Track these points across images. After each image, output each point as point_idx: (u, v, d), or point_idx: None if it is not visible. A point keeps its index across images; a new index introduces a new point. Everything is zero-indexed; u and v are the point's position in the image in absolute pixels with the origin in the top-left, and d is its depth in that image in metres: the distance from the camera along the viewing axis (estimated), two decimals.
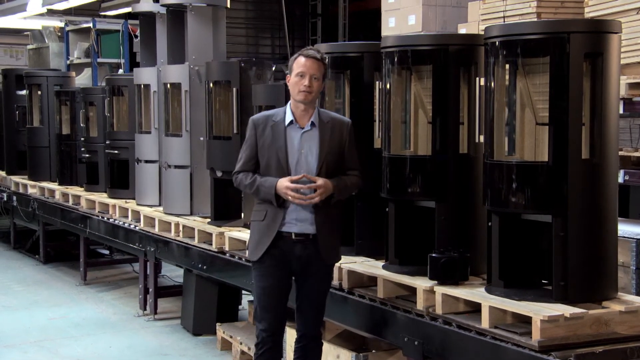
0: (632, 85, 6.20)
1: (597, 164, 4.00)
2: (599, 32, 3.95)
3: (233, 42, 17.39)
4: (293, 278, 4.40)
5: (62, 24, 12.52)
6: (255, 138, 4.32)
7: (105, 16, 12.95)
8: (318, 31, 17.40)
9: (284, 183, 4.18)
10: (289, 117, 4.28)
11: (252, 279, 4.41)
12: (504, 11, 7.40)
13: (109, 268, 9.50)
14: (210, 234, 6.27)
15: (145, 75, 7.61)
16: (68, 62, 12.52)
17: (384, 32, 8.98)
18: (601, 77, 3.95)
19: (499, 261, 4.24)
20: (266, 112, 4.49)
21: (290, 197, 4.18)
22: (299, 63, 4.23)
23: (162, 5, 7.14)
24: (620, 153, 6.18)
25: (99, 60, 11.97)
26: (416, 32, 8.44)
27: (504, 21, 7.11)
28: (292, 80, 4.25)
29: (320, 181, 4.20)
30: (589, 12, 6.80)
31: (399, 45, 4.66)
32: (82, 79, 11.67)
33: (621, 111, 6.80)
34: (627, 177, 6.48)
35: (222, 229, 6.26)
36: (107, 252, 10.12)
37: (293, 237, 4.27)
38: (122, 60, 11.56)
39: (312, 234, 4.27)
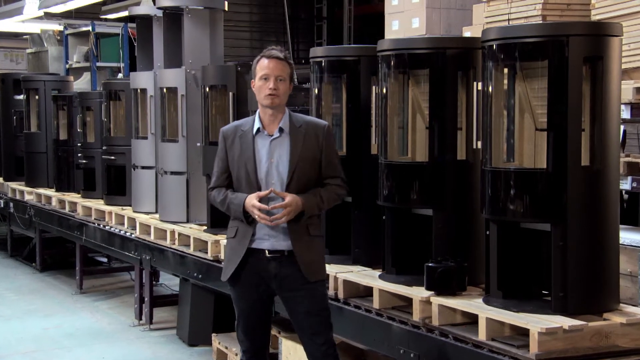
0: (639, 90, 6.14)
1: (597, 170, 3.95)
2: (599, 35, 3.91)
3: (237, 46, 17.40)
4: (278, 296, 4.18)
5: (61, 28, 12.54)
6: (225, 151, 4.14)
7: (105, 19, 12.96)
8: (323, 34, 17.38)
9: (250, 200, 3.97)
10: (256, 125, 4.07)
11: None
12: (508, 14, 7.34)
13: (106, 276, 9.48)
14: (206, 242, 6.24)
15: (142, 79, 7.59)
16: (67, 66, 12.54)
17: (388, 36, 8.93)
18: (601, 81, 3.90)
19: (497, 271, 4.19)
20: (236, 121, 4.32)
21: (256, 217, 3.97)
22: (262, 65, 4.04)
23: (159, 8, 7.13)
24: (628, 159, 6.12)
25: (98, 64, 11.98)
26: (420, 36, 8.40)
27: (509, 24, 7.06)
28: (256, 84, 4.05)
29: (288, 198, 3.95)
30: (596, 15, 6.74)
31: (395, 48, 4.63)
32: (81, 84, 11.68)
33: (628, 116, 6.76)
34: (634, 184, 6.42)
35: (217, 237, 6.22)
36: (105, 260, 10.11)
37: (266, 254, 4.05)
38: (122, 64, 11.56)
39: (287, 250, 4.04)
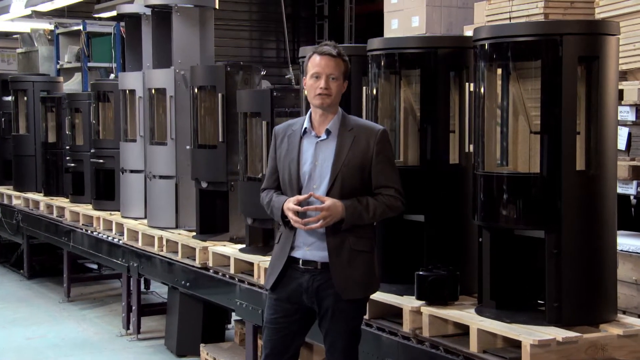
0: None
1: (593, 175, 3.90)
2: (594, 33, 3.86)
3: (236, 46, 17.39)
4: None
5: (52, 27, 12.52)
6: (275, 150, 3.99)
7: (99, 18, 12.93)
8: (325, 33, 17.36)
9: (288, 204, 3.81)
10: (305, 125, 3.90)
11: None
12: (510, 12, 7.29)
13: (96, 284, 9.44)
14: (194, 249, 6.20)
15: (130, 80, 7.56)
16: (58, 66, 12.51)
17: (387, 35, 8.89)
18: (597, 82, 3.86)
19: (490, 280, 4.15)
20: (291, 120, 4.15)
21: (292, 221, 3.81)
22: (314, 62, 3.83)
23: (147, 6, 7.10)
24: (633, 163, 6.06)
25: (90, 64, 11.95)
26: (420, 35, 8.36)
27: (510, 22, 7.01)
28: (307, 82, 3.86)
29: (327, 202, 3.74)
30: (600, 13, 6.69)
31: (385, 48, 4.59)
32: (72, 84, 11.65)
33: (634, 118, 6.69)
34: None
35: (206, 244, 6.19)
36: (96, 266, 10.06)
37: (300, 264, 3.88)
38: (114, 65, 11.53)
39: (320, 262, 3.83)
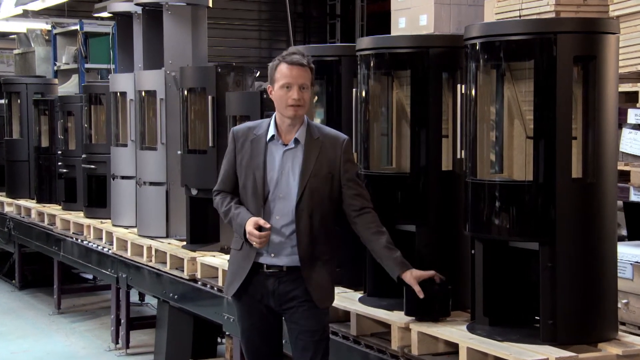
0: None
1: (591, 183, 3.80)
2: (591, 32, 3.76)
3: (244, 46, 17.33)
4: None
5: (48, 27, 12.51)
6: (234, 153, 4.04)
7: (99, 18, 12.90)
8: (337, 33, 17.28)
9: (249, 227, 3.89)
10: (271, 132, 3.96)
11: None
12: (519, 10, 7.19)
13: (89, 295, 9.42)
14: (183, 260, 6.14)
15: (121, 82, 7.52)
16: (55, 68, 12.50)
17: (394, 34, 8.81)
18: (594, 83, 3.76)
19: (483, 295, 4.05)
20: (249, 123, 4.21)
21: (254, 244, 3.91)
22: (283, 72, 3.89)
23: (137, 5, 7.06)
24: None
25: (87, 65, 11.93)
26: (429, 34, 8.27)
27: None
28: (276, 92, 3.92)
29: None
30: (614, 11, 6.57)
31: (375, 47, 4.50)
32: (68, 87, 11.64)
33: None
34: None
35: (194, 254, 6.13)
36: (91, 277, 10.03)
37: (265, 268, 3.98)
38: (112, 66, 11.50)
39: (286, 266, 3.96)
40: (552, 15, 6.92)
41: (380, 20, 15.72)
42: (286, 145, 3.96)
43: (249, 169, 3.97)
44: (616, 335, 3.90)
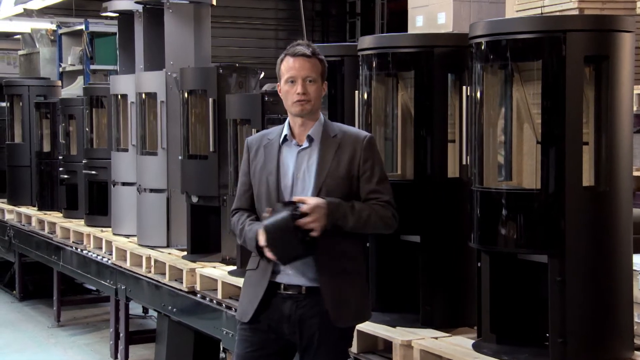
0: None
1: (603, 192, 3.70)
2: (604, 30, 3.66)
3: (261, 46, 17.29)
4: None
5: (53, 27, 12.51)
6: (249, 163, 3.83)
7: (106, 17, 12.89)
8: (357, 32, 17.20)
9: (261, 238, 3.61)
10: (284, 133, 3.75)
11: None
12: (541, 7, 7.10)
13: (91, 306, 9.38)
14: (182, 270, 6.09)
15: (122, 83, 7.49)
16: (61, 69, 12.52)
17: (411, 32, 8.73)
18: (607, 85, 3.66)
19: (490, 311, 3.97)
20: (264, 130, 4.04)
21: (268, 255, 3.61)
22: (287, 66, 3.68)
23: (137, 3, 7.02)
24: None
25: (93, 67, 11.93)
26: (447, 32, 8.19)
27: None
28: (282, 89, 3.72)
29: (311, 202, 3.54)
30: None
31: (377, 47, 4.44)
32: (73, 89, 11.62)
33: None
34: None
35: (194, 265, 6.08)
36: (94, 287, 10.00)
37: (282, 289, 3.70)
38: (118, 67, 11.45)
39: (305, 286, 3.67)
40: (576, 12, 6.83)
41: (402, 19, 15.66)
42: (300, 145, 3.75)
43: (262, 176, 3.77)
44: (632, 355, 3.80)
